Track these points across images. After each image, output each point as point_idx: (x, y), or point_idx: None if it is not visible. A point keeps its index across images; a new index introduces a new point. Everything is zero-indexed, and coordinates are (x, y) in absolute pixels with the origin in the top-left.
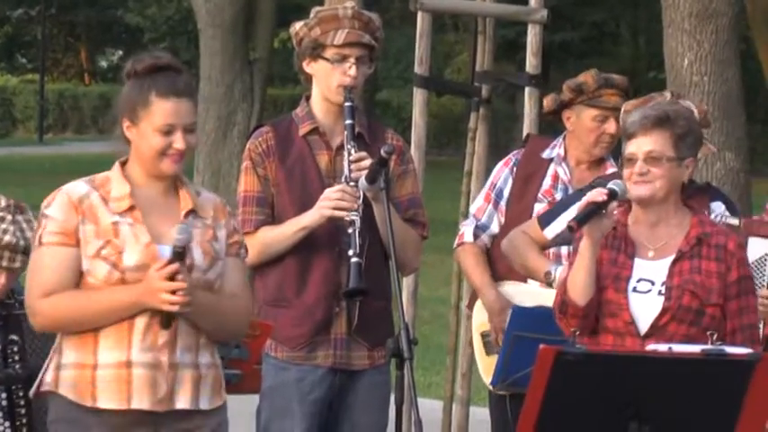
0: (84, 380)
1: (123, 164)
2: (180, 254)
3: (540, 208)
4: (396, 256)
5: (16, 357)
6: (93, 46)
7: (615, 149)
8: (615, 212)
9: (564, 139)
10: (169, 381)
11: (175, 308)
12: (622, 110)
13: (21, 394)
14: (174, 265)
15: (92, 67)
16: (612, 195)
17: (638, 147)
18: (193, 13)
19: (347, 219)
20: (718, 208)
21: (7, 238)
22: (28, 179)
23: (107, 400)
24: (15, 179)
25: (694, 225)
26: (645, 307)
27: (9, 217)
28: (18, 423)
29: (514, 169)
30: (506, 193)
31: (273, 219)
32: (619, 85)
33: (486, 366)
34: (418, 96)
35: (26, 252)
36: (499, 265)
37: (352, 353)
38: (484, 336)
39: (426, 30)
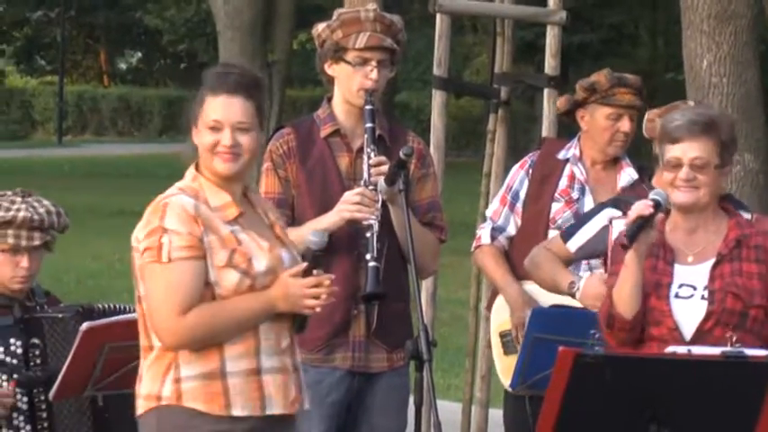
0: (215, 389)
1: (198, 170)
2: (318, 258)
3: (557, 207)
4: (413, 260)
5: (38, 361)
6: (113, 48)
7: (629, 149)
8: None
9: (579, 139)
10: (296, 383)
11: (318, 309)
12: (646, 118)
13: (42, 398)
14: (315, 272)
15: (111, 69)
16: (657, 206)
17: (683, 152)
18: (212, 15)
19: (365, 223)
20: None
21: (21, 214)
22: (47, 181)
23: (241, 408)
24: (34, 181)
25: (732, 228)
26: (688, 312)
27: (19, 199)
28: (39, 427)
29: (530, 171)
30: (522, 194)
31: (294, 220)
32: (632, 84)
33: (505, 367)
34: (437, 98)
35: (42, 229)
36: (518, 267)
37: (370, 355)
38: (503, 336)
39: (445, 31)
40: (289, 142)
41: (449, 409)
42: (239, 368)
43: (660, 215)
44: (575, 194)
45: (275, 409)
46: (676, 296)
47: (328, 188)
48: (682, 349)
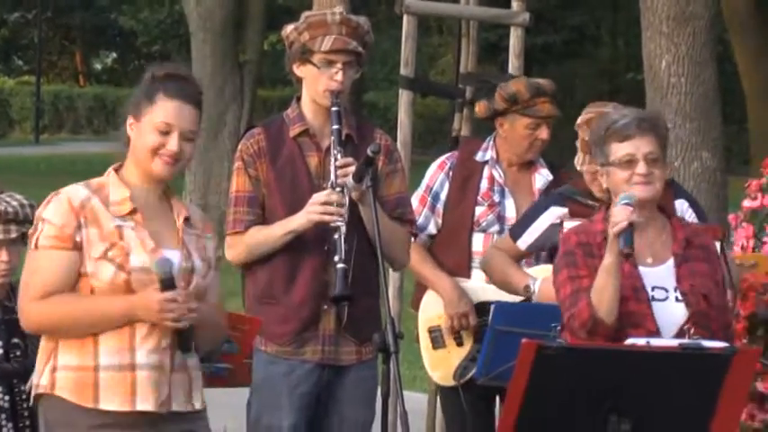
0: (86, 382)
1: (117, 170)
2: (169, 282)
3: (480, 211)
4: (385, 254)
5: (18, 360)
6: (88, 49)
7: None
8: (593, 222)
9: (494, 141)
10: (170, 383)
11: (175, 324)
12: (579, 122)
13: (23, 396)
14: (174, 293)
15: (86, 69)
16: (633, 206)
17: (636, 148)
18: (185, 17)
19: (333, 225)
20: (681, 205)
21: (1, 207)
22: (24, 179)
23: (110, 402)
24: (12, 179)
25: (678, 227)
26: (667, 314)
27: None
28: (21, 425)
29: (450, 173)
30: (443, 196)
31: (264, 218)
32: (549, 92)
33: (434, 361)
34: (404, 97)
35: (17, 221)
36: (441, 265)
37: (340, 348)
38: (431, 331)
39: (412, 32)
40: (259, 142)
41: (415, 400)
42: (112, 362)
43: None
44: (496, 197)
45: (147, 406)
46: (653, 299)
47: (298, 187)
48: (641, 341)
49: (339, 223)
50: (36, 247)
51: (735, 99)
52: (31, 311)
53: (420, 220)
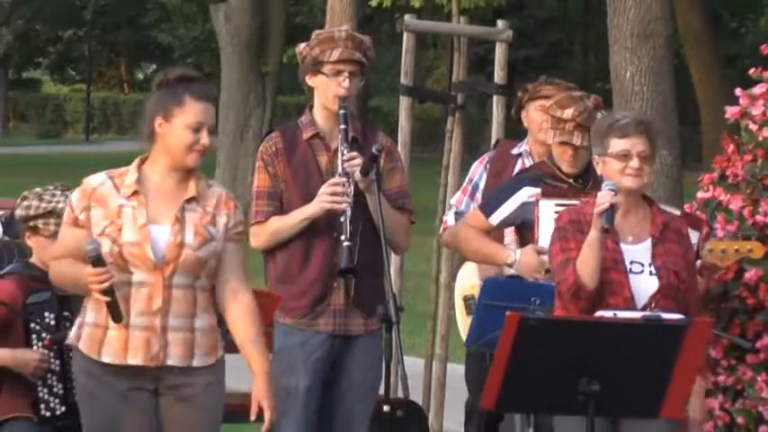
0: (95, 338)
1: (143, 159)
2: (96, 260)
3: None
4: (387, 239)
5: (69, 329)
6: (132, 61)
7: None
8: (585, 205)
9: (527, 138)
10: (161, 341)
11: (102, 297)
12: (547, 104)
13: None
14: (100, 269)
15: (130, 79)
16: (615, 192)
17: (632, 146)
18: (215, 33)
19: (339, 209)
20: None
21: (61, 205)
22: (76, 173)
23: (107, 356)
24: (66, 173)
25: (657, 213)
26: (641, 285)
27: (58, 192)
28: (69, 385)
29: (488, 166)
30: (481, 185)
31: (282, 209)
32: (557, 82)
33: (466, 326)
34: (404, 103)
35: None
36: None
37: (349, 320)
38: (466, 299)
39: (411, 47)
40: (276, 144)
41: (413, 364)
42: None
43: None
44: None
45: (137, 360)
46: (630, 271)
47: (311, 182)
48: (608, 314)
49: (345, 207)
50: (64, 222)
51: (689, 105)
52: (50, 270)
53: (461, 208)
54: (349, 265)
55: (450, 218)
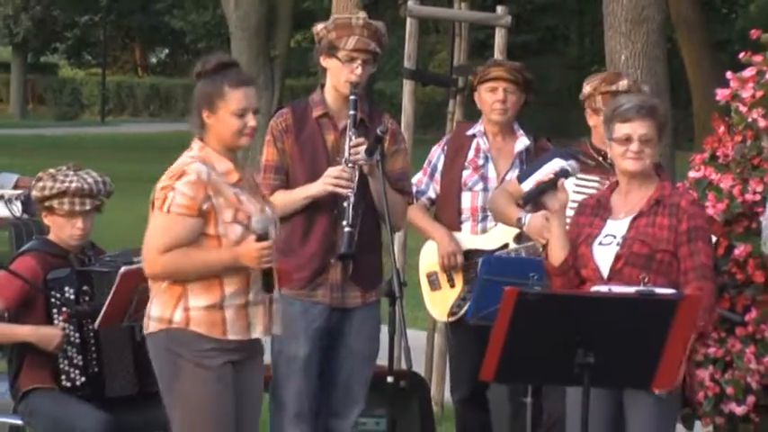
0: (215, 319)
1: (202, 140)
2: (264, 236)
3: (467, 174)
4: (388, 218)
5: (88, 303)
6: (145, 45)
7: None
8: (603, 190)
9: (481, 118)
10: (269, 314)
11: (268, 265)
12: (589, 86)
13: (91, 334)
14: (267, 242)
15: (144, 63)
16: (563, 174)
17: (633, 130)
18: (226, 19)
19: (344, 195)
20: None
21: (74, 185)
22: (92, 153)
23: (234, 334)
24: (82, 153)
25: (657, 189)
26: (605, 256)
27: (71, 172)
28: (89, 357)
29: (445, 148)
30: (439, 166)
31: (288, 183)
32: (501, 63)
33: (432, 301)
34: (407, 86)
35: (92, 196)
36: (439, 220)
37: (346, 294)
38: (429, 276)
39: (413, 32)
40: (287, 120)
41: (416, 337)
42: (234, 303)
43: (562, 180)
44: (480, 161)
45: (257, 333)
46: (600, 244)
47: (316, 159)
48: (604, 288)
49: (349, 193)
50: (168, 211)
51: (681, 88)
52: (157, 261)
53: (422, 187)
54: (348, 251)
55: None
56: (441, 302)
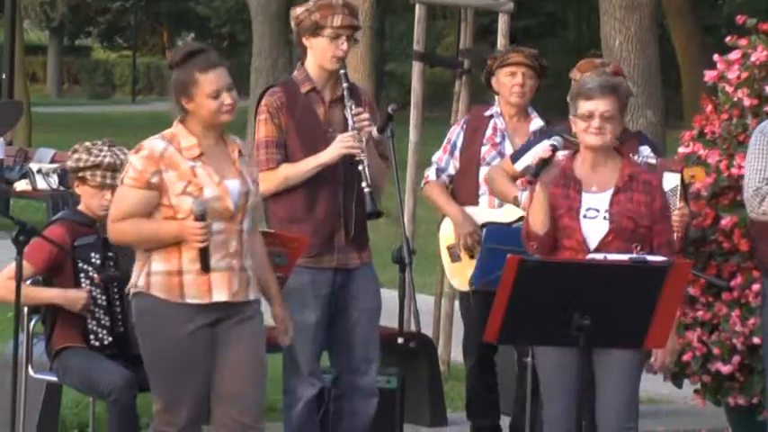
0: (173, 283)
1: (182, 122)
2: (201, 216)
3: (485, 150)
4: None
5: (112, 266)
6: (173, 30)
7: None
8: (561, 160)
9: (497, 101)
10: (241, 279)
11: (202, 245)
12: (575, 71)
13: (116, 296)
14: (203, 223)
15: (171, 46)
16: (555, 149)
17: (595, 107)
18: (247, 5)
19: (358, 158)
20: (645, 150)
21: (107, 160)
22: (123, 130)
23: (191, 297)
24: (114, 130)
25: (626, 165)
26: (593, 229)
27: (105, 148)
28: (115, 318)
29: (464, 127)
30: (459, 144)
31: (286, 157)
32: (522, 50)
33: (452, 271)
34: (416, 68)
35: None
36: (457, 197)
37: (348, 255)
38: (449, 248)
39: (422, 17)
40: (280, 98)
41: (424, 301)
42: (193, 268)
43: (558, 155)
44: (497, 139)
45: (222, 297)
46: (584, 216)
47: (311, 131)
48: (599, 256)
49: (362, 157)
50: (122, 183)
51: (672, 70)
52: (113, 229)
53: (442, 165)
54: (373, 209)
55: (431, 173)
56: (460, 273)
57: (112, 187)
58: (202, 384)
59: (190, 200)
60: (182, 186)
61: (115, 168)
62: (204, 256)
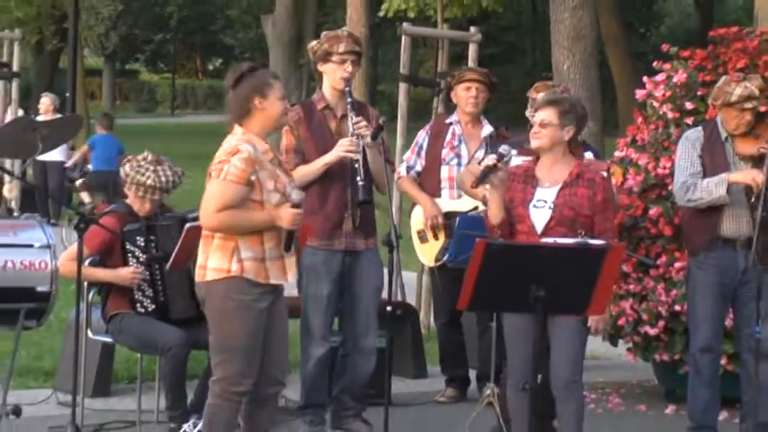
0: (260, 267)
1: (243, 125)
2: (299, 204)
3: (445, 152)
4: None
5: (154, 248)
6: (204, 56)
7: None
8: (523, 163)
9: (456, 111)
10: (290, 264)
11: (296, 227)
12: (531, 90)
13: (157, 273)
14: (300, 210)
15: (203, 69)
16: (500, 157)
17: (538, 116)
18: (265, 36)
19: (353, 158)
20: (588, 155)
21: (149, 182)
22: (165, 139)
23: (274, 278)
24: (157, 139)
25: (576, 166)
26: (539, 217)
27: (151, 167)
28: (157, 289)
29: (429, 132)
30: (425, 146)
31: (304, 161)
32: (476, 69)
33: (422, 251)
34: (402, 88)
35: (162, 190)
36: (424, 190)
37: (356, 240)
38: (419, 232)
39: (407, 46)
40: (299, 114)
41: (408, 276)
42: (273, 255)
43: (503, 161)
44: (455, 143)
45: (290, 278)
46: (534, 206)
47: (325, 140)
48: (550, 240)
49: (358, 157)
50: (224, 179)
51: (609, 88)
52: (212, 218)
53: (411, 163)
54: (365, 197)
55: (402, 169)
56: (428, 252)
57: (152, 201)
58: (261, 351)
59: (277, 195)
60: (272, 184)
61: (155, 188)
62: (290, 238)
